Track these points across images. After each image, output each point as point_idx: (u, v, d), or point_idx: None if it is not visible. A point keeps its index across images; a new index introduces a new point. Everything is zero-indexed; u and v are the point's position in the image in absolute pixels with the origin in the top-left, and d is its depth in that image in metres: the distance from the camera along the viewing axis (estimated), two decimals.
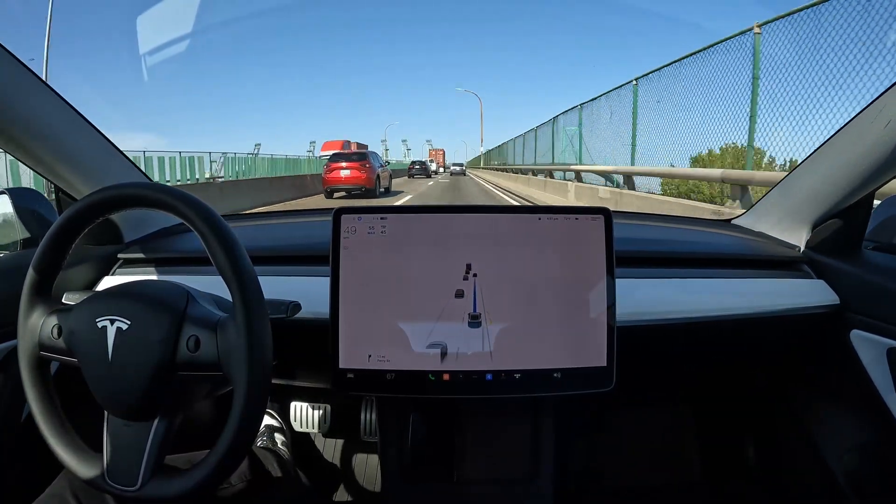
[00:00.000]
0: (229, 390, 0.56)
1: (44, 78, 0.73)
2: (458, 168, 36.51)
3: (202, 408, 1.14)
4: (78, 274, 0.85)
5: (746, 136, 5.51)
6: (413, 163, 30.76)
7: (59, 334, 0.58)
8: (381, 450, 0.88)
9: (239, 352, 0.54)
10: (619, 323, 0.70)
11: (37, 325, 0.59)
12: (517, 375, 0.70)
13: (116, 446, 0.57)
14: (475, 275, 0.69)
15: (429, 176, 28.29)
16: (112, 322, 0.55)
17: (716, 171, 5.35)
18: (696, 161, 6.63)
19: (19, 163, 0.79)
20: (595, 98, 9.73)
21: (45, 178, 0.83)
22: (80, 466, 0.57)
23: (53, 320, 0.59)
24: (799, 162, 0.90)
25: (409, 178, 26.19)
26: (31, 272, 0.60)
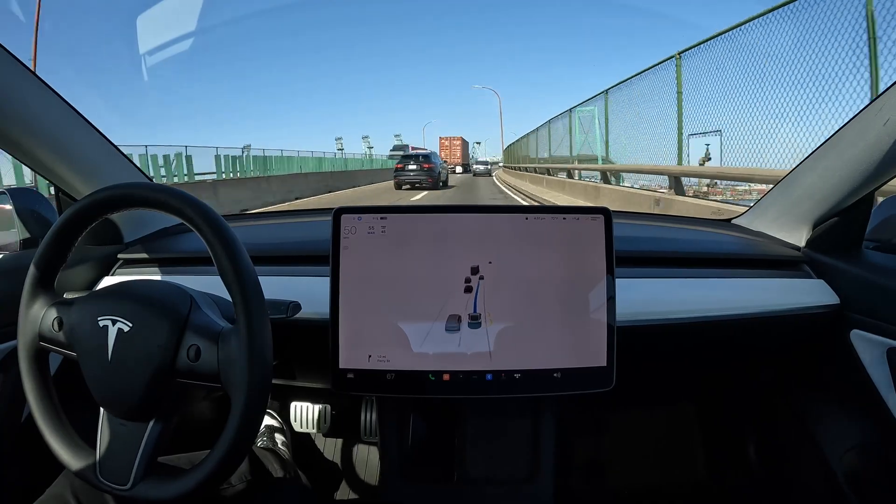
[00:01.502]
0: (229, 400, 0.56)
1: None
2: (482, 168, 31.87)
3: (202, 408, 1.14)
4: (78, 274, 0.85)
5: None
6: (402, 156, 16.68)
7: (60, 327, 0.58)
8: (381, 450, 0.88)
9: (239, 366, 0.53)
10: (619, 323, 0.70)
11: (38, 316, 0.59)
12: (517, 375, 0.70)
13: (110, 444, 0.57)
14: (478, 276, 0.69)
15: (439, 184, 15.48)
16: (114, 322, 0.55)
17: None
18: None
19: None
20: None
21: (45, 178, 0.83)
22: (72, 460, 0.57)
23: (55, 313, 0.59)
24: (799, 161, 0.90)
25: (397, 187, 15.19)
26: (32, 269, 0.60)
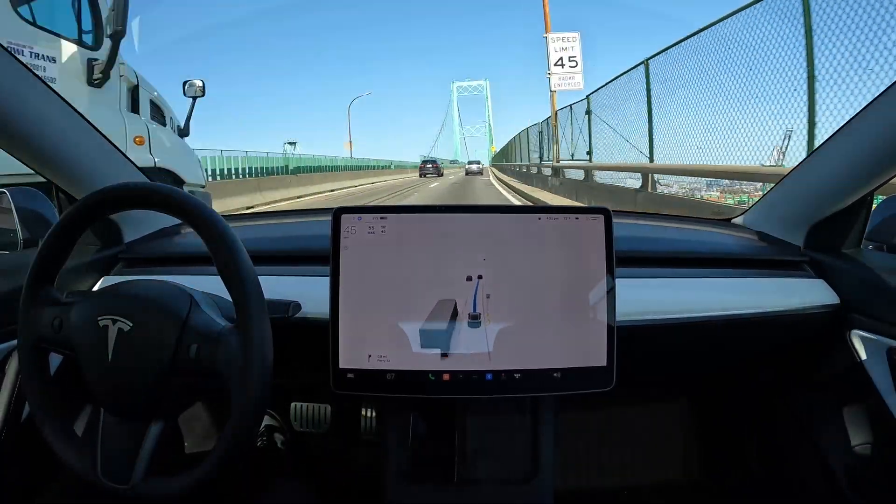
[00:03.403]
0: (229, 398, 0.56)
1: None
2: (475, 168, 32.55)
3: (203, 407, 1.14)
4: (78, 274, 0.85)
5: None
6: None
7: (60, 328, 0.58)
8: (381, 450, 0.88)
9: (240, 365, 0.54)
10: (619, 323, 0.70)
11: (37, 317, 0.59)
12: (517, 375, 0.70)
13: (111, 444, 0.57)
14: (478, 276, 0.69)
15: None
16: (114, 322, 0.55)
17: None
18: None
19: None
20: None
21: (45, 178, 0.83)
22: (74, 460, 0.58)
23: (55, 313, 0.59)
24: (800, 162, 0.90)
25: None
26: (31, 270, 0.60)
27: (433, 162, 33.93)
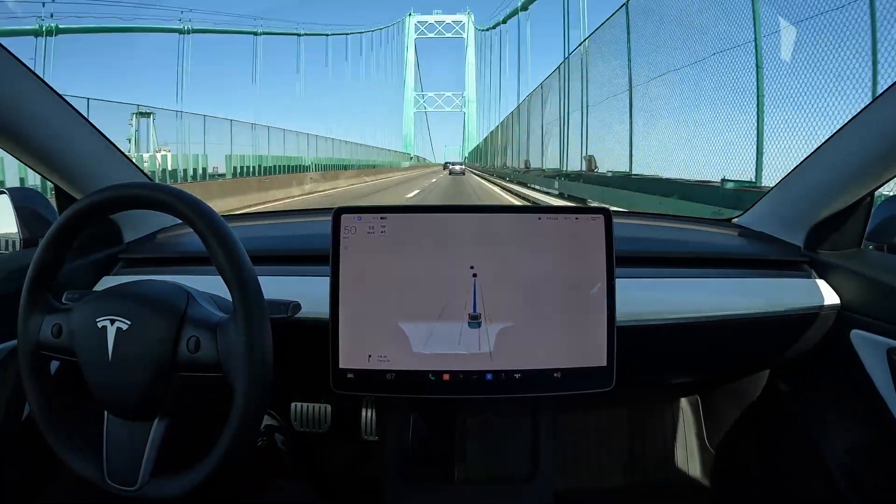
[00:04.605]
0: (231, 391, 0.56)
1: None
2: (458, 168, 34.51)
3: (203, 405, 1.14)
4: (78, 274, 0.85)
5: None
6: None
7: (60, 334, 0.58)
8: (381, 450, 0.88)
9: (239, 353, 0.54)
10: (619, 323, 0.71)
11: (37, 324, 0.59)
12: (517, 375, 0.70)
13: (115, 446, 0.57)
14: (475, 275, 0.69)
15: None
16: (112, 322, 0.56)
17: None
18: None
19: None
20: None
21: (45, 178, 0.83)
22: (79, 465, 0.58)
23: (53, 319, 0.59)
24: (799, 162, 0.90)
25: None
26: (31, 271, 0.60)
27: (450, 163, 43.71)
